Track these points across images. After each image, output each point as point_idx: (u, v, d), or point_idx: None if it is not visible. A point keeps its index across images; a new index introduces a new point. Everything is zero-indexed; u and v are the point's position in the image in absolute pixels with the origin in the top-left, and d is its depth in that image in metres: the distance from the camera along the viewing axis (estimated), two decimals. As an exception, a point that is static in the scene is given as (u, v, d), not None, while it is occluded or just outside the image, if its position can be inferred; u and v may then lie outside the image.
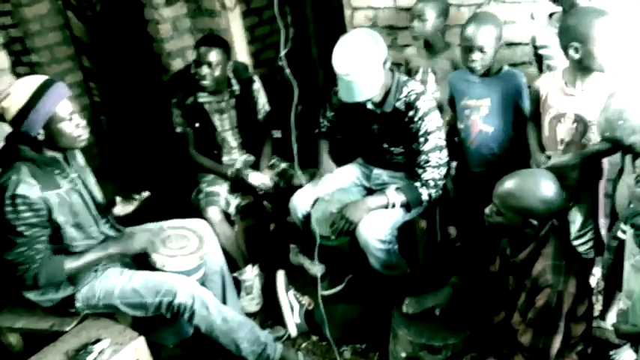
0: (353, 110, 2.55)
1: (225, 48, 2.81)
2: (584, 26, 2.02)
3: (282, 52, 1.88)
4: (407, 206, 2.47)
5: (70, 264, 2.09)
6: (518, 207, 1.80)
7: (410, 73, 2.85)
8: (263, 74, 3.75)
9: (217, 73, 2.76)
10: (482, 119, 2.49)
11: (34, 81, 1.99)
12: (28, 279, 2.02)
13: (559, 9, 2.36)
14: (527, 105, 2.45)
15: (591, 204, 2.35)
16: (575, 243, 2.37)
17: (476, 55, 2.36)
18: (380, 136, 2.57)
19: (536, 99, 2.33)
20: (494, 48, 2.37)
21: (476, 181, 2.57)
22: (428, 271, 2.79)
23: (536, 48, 2.48)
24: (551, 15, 2.42)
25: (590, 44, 2.02)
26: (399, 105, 2.44)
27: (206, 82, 2.77)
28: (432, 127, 2.41)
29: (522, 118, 2.46)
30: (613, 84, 2.10)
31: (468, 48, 2.36)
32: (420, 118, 2.40)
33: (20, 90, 1.96)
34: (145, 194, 2.35)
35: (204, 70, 2.73)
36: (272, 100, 3.11)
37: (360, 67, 2.28)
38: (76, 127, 2.04)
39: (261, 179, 2.84)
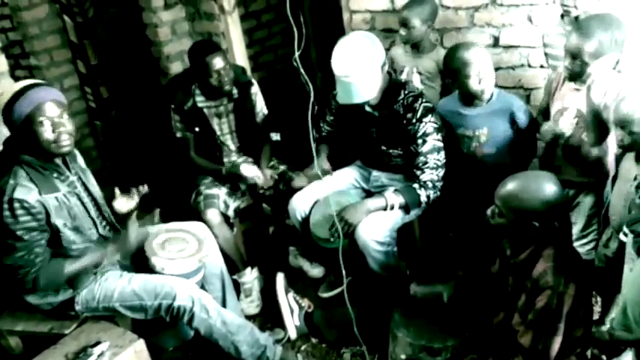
0: (351, 113, 2.56)
1: (220, 48, 2.84)
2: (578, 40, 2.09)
3: (297, 54, 1.90)
4: (406, 208, 2.48)
5: (70, 267, 2.08)
6: (520, 209, 1.81)
7: (394, 72, 2.87)
8: (262, 77, 3.77)
9: (231, 73, 2.79)
10: (484, 145, 2.53)
11: (21, 84, 1.98)
12: (28, 282, 2.02)
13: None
14: (523, 122, 2.48)
15: (594, 205, 2.35)
16: (577, 244, 2.38)
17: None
18: (378, 139, 2.57)
19: (548, 92, 2.39)
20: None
21: (479, 187, 2.57)
22: (427, 273, 2.79)
23: (545, 46, 2.53)
24: (562, 16, 2.44)
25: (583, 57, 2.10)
26: (397, 107, 2.45)
27: (228, 87, 2.79)
28: (430, 128, 2.42)
29: (520, 139, 2.51)
30: (619, 83, 2.15)
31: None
32: (418, 120, 2.41)
33: (8, 92, 1.96)
34: (144, 189, 2.34)
35: (223, 77, 2.75)
36: (270, 103, 3.12)
37: (358, 68, 2.29)
38: (52, 133, 1.97)
39: (253, 172, 2.82)
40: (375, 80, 2.33)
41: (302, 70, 1.97)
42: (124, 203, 2.19)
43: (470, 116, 2.50)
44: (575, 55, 2.12)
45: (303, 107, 2.08)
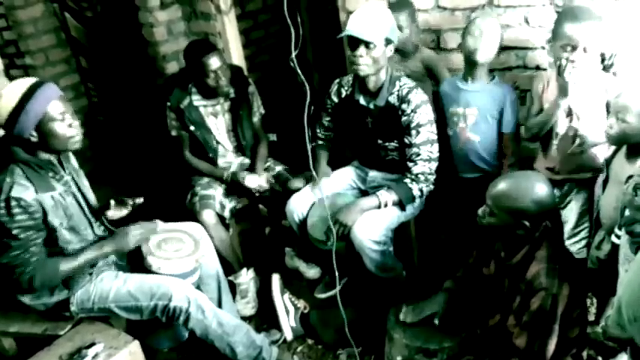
0: (347, 108, 2.58)
1: (216, 48, 2.83)
2: (563, 25, 2.13)
3: (294, 54, 1.90)
4: (400, 204, 2.48)
5: (65, 266, 2.07)
6: (511, 208, 1.82)
7: None
8: (258, 77, 3.76)
9: (228, 73, 2.79)
10: (469, 128, 2.53)
11: (24, 83, 1.97)
12: (24, 282, 2.01)
13: None
14: (509, 119, 2.48)
15: (586, 202, 2.36)
16: (569, 242, 2.39)
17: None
18: (374, 131, 2.57)
19: (537, 95, 2.41)
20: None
21: (465, 187, 2.59)
22: (423, 275, 2.79)
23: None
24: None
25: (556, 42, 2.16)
26: (392, 99, 2.45)
27: (226, 88, 2.80)
28: (424, 119, 2.43)
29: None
30: (601, 79, 2.23)
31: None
32: (412, 111, 2.42)
33: (10, 93, 1.95)
34: (139, 200, 2.34)
35: (220, 77, 2.74)
36: (267, 104, 3.12)
37: (365, 16, 2.33)
38: (68, 128, 2.01)
39: (257, 182, 2.83)
40: (376, 30, 2.31)
41: (299, 70, 1.97)
42: (116, 212, 2.27)
43: (465, 91, 2.52)
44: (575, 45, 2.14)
45: (300, 108, 2.08)
